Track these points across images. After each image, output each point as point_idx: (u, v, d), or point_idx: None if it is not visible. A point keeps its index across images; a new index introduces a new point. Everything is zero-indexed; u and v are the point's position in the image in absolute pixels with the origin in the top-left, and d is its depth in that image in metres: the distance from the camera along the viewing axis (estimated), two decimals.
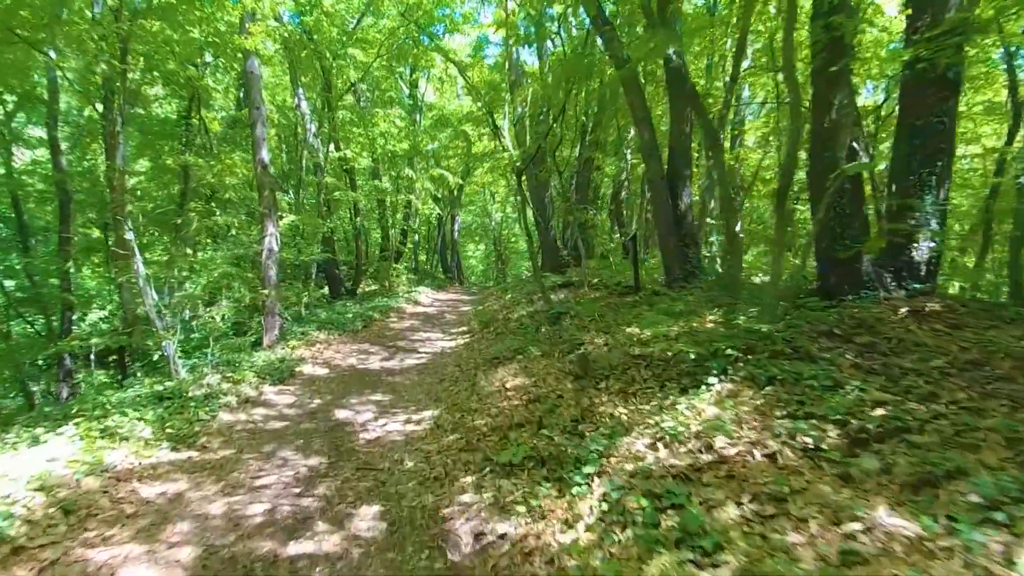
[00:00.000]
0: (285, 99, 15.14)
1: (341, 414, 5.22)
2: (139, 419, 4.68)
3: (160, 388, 5.68)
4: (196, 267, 6.68)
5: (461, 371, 6.49)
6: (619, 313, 6.46)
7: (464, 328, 9.93)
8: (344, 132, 13.40)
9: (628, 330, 5.52)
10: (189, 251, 16.12)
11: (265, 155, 8.41)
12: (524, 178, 8.63)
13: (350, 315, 11.10)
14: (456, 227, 24.30)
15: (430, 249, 25.15)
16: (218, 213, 7.95)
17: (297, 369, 7.05)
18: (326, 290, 15.19)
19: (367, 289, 16.11)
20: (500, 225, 31.28)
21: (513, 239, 35.00)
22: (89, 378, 10.78)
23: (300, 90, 12.65)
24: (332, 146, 12.90)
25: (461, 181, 16.30)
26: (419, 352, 8.26)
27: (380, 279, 16.00)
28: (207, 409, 5.05)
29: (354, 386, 6.31)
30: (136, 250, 6.04)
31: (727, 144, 10.77)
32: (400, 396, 5.78)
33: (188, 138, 8.10)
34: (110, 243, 8.67)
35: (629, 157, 16.16)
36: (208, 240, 14.58)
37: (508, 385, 5.02)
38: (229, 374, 6.15)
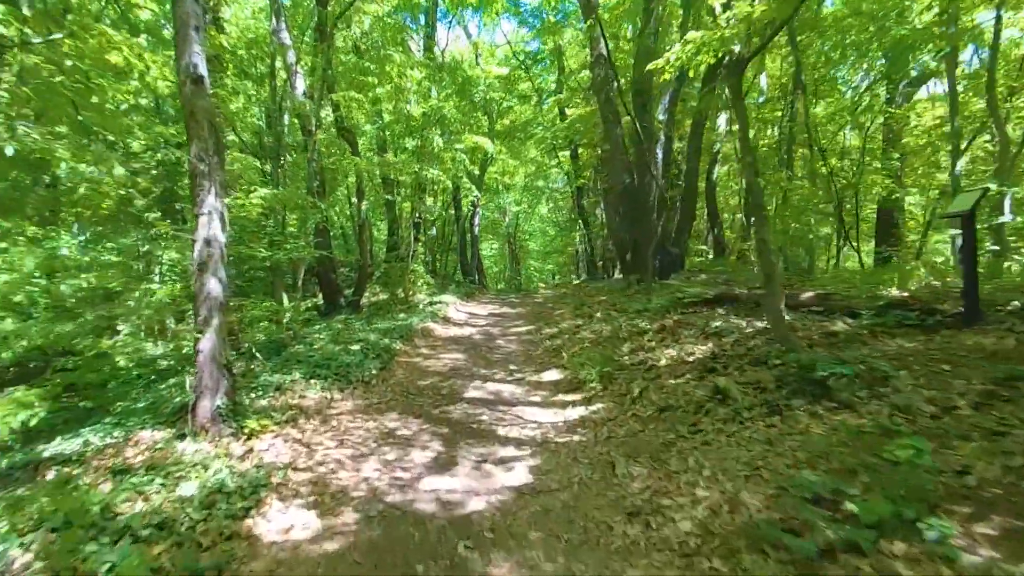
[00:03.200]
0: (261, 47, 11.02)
1: None
2: None
3: None
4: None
5: (680, 566, 2.44)
6: None
7: (557, 376, 5.84)
8: (344, 78, 9.30)
9: None
10: (144, 246, 11.91)
11: (197, 58, 4.30)
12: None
13: (356, 347, 7.03)
14: (477, 220, 20.24)
15: (443, 247, 21.10)
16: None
17: (248, 521, 2.96)
18: (319, 298, 11.15)
19: (373, 299, 12.06)
20: (515, 220, 28.18)
21: (526, 237, 31.77)
22: None
23: (281, 10, 8.58)
24: (326, 90, 8.78)
25: (500, 146, 12.25)
26: (499, 438, 4.18)
27: (391, 285, 11.92)
28: None
29: None
30: None
31: None
32: None
33: None
34: None
35: (724, 121, 12.25)
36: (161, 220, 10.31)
37: None
38: None
